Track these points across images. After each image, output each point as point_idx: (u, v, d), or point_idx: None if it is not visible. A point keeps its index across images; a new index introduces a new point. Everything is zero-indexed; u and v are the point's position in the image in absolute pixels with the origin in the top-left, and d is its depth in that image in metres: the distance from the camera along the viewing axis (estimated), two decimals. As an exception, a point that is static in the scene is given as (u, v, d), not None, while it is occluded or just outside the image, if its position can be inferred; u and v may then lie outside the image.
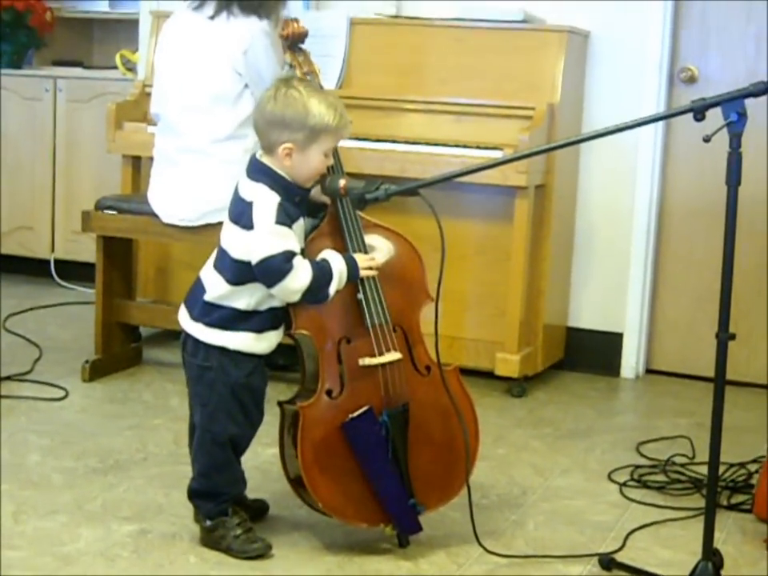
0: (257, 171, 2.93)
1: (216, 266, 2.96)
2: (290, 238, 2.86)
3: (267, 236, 2.84)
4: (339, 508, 2.98)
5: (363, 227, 3.03)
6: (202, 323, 2.95)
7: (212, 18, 4.28)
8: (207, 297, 2.94)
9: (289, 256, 2.83)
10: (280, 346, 3.02)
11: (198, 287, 2.98)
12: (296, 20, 3.61)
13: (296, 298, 2.87)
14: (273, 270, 2.83)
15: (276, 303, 2.92)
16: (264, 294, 2.90)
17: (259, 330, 2.94)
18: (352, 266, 2.92)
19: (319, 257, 2.91)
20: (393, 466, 2.96)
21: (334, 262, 2.90)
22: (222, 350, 2.94)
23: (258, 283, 2.89)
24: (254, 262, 2.85)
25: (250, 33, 4.22)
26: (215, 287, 2.94)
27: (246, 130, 4.21)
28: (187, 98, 4.29)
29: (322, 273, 2.87)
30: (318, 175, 2.95)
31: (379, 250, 3.05)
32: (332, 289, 2.88)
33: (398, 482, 2.97)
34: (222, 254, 2.95)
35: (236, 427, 2.97)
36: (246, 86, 4.25)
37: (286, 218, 2.86)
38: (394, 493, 2.96)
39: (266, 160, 2.94)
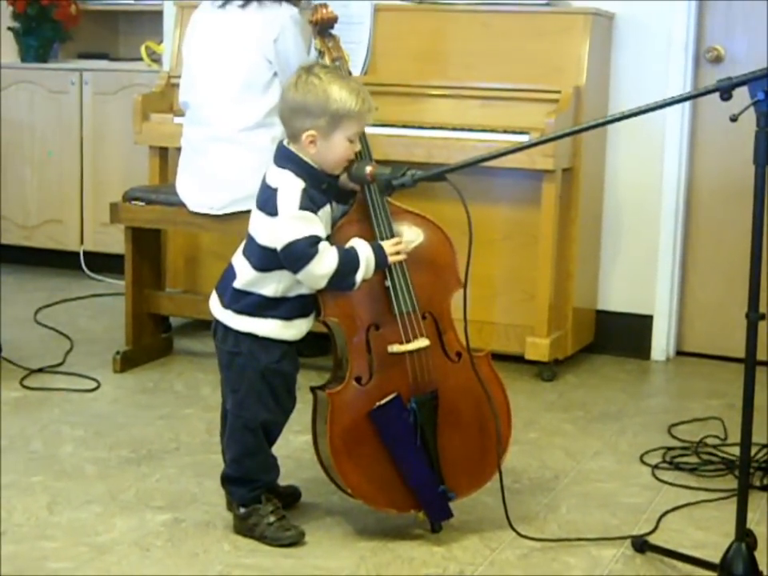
0: (283, 158, 2.94)
1: (244, 253, 2.97)
2: (314, 223, 2.86)
3: (291, 221, 2.84)
4: (369, 494, 2.99)
5: (392, 213, 3.03)
6: (231, 310, 2.97)
7: (243, 6, 4.28)
8: (236, 283, 2.95)
9: (314, 240, 2.84)
10: (307, 335, 3.03)
11: (230, 273, 2.99)
12: (325, 5, 3.61)
13: (322, 283, 2.87)
14: (298, 254, 2.84)
15: (304, 290, 2.93)
16: (292, 281, 2.91)
17: (288, 317, 2.94)
18: (380, 255, 2.91)
19: (347, 245, 2.91)
20: (421, 452, 2.96)
21: (362, 250, 2.89)
22: (252, 336, 2.94)
23: (285, 270, 2.89)
24: (279, 247, 2.86)
25: (279, 21, 4.23)
26: (243, 274, 2.95)
27: (273, 119, 4.21)
28: (217, 86, 4.30)
29: (349, 259, 2.87)
30: (345, 161, 2.94)
31: (407, 236, 3.05)
32: (359, 276, 2.88)
33: (427, 469, 2.97)
34: (250, 240, 2.96)
35: (267, 412, 2.98)
36: (275, 74, 4.26)
37: (310, 203, 2.86)
38: (423, 479, 2.97)
39: (292, 147, 2.94)
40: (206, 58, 4.36)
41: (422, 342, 3.00)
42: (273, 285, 2.92)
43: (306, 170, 2.90)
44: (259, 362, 2.95)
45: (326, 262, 2.84)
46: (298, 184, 2.88)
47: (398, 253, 2.95)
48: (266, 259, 2.91)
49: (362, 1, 4.87)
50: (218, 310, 3.01)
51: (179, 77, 4.59)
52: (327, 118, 2.88)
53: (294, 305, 2.95)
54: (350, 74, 3.41)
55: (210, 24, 4.38)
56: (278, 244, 2.86)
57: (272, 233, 2.88)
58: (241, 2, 4.29)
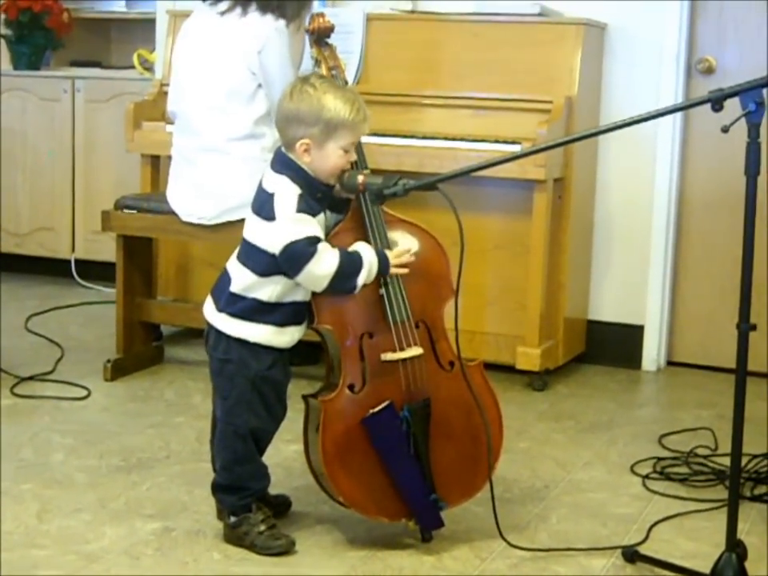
0: (280, 164, 2.95)
1: (240, 259, 2.97)
2: (312, 225, 2.87)
3: (290, 223, 2.85)
4: (360, 502, 2.99)
5: (387, 222, 3.03)
6: (225, 313, 2.96)
7: (223, 13, 4.28)
8: (233, 288, 2.95)
9: (313, 240, 2.84)
10: (297, 344, 3.03)
11: (225, 278, 2.99)
12: (322, 14, 3.61)
13: (323, 284, 2.87)
14: (297, 254, 2.84)
15: (299, 297, 2.93)
16: (288, 286, 2.91)
17: (281, 323, 2.94)
18: (383, 260, 2.92)
19: (351, 248, 2.92)
20: (413, 461, 2.96)
21: (365, 254, 2.90)
22: (243, 343, 2.94)
23: (283, 276, 2.89)
24: (278, 250, 2.86)
25: (265, 33, 4.22)
26: (241, 279, 2.94)
27: (263, 129, 4.23)
28: (203, 95, 4.29)
29: (351, 261, 2.87)
30: (339, 171, 2.94)
31: (402, 245, 3.04)
32: (360, 279, 2.88)
33: (419, 478, 2.97)
34: (247, 246, 2.96)
35: (257, 420, 2.98)
36: (260, 85, 4.25)
37: (307, 207, 2.87)
38: (415, 488, 2.96)
39: (290, 154, 2.95)
40: (193, 67, 4.36)
41: (416, 351, 3.00)
42: (269, 289, 2.91)
43: (302, 177, 2.90)
44: (249, 369, 2.95)
45: (325, 261, 2.84)
46: (295, 189, 2.88)
47: (402, 265, 2.96)
48: (267, 264, 2.90)
49: (355, 10, 4.88)
50: (211, 313, 3.01)
51: (171, 85, 4.59)
52: (321, 126, 2.89)
53: (288, 311, 2.95)
54: (346, 83, 3.41)
55: (199, 33, 4.38)
56: (277, 247, 2.86)
57: (270, 237, 2.88)
58: (224, 9, 4.29)
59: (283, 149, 2.98)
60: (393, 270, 2.94)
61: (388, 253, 2.95)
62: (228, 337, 2.96)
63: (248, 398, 2.96)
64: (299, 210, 2.86)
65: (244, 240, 2.98)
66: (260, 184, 2.97)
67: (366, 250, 2.92)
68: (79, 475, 3.48)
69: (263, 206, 2.91)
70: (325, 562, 2.93)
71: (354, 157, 3.00)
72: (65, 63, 6.62)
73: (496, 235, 4.67)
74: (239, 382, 2.96)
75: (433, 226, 3.12)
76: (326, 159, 2.92)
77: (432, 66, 4.80)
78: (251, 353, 2.95)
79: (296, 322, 2.97)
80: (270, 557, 2.93)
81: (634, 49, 4.88)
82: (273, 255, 2.88)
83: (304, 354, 3.83)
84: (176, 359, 4.83)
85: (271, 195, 2.90)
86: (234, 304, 2.95)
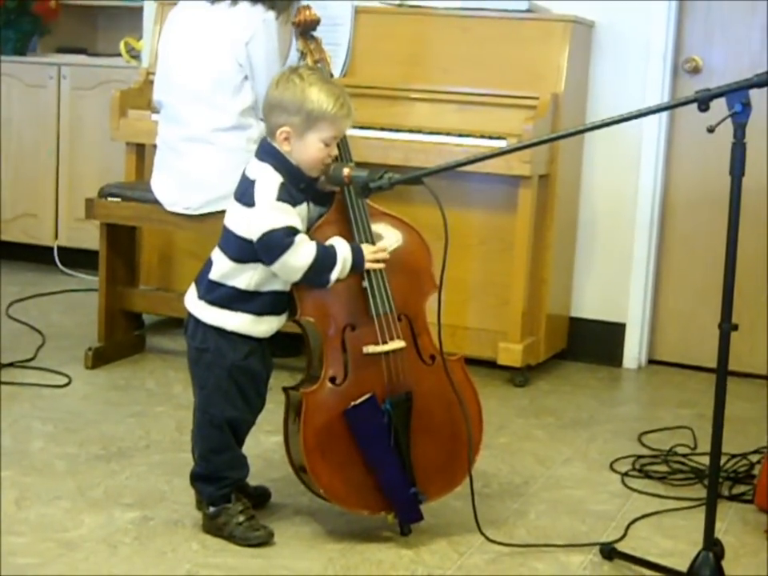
0: (264, 152, 2.96)
1: (220, 245, 2.98)
2: (292, 215, 2.87)
3: (269, 211, 2.85)
4: (341, 495, 2.99)
5: (371, 216, 3.03)
6: (204, 301, 2.97)
7: (213, 1, 4.28)
8: (212, 275, 2.96)
9: (290, 231, 2.85)
10: (280, 336, 3.03)
11: (208, 266, 3.00)
12: (308, 7, 3.61)
13: (297, 276, 2.88)
14: (274, 243, 2.84)
15: (278, 287, 2.93)
16: (266, 274, 2.91)
17: (259, 312, 2.95)
18: (357, 256, 2.92)
19: (327, 243, 2.92)
20: (394, 454, 2.96)
21: (340, 249, 2.90)
22: (220, 332, 2.95)
23: (260, 263, 2.90)
24: (255, 237, 2.86)
25: (253, 25, 4.22)
26: (219, 265, 2.95)
27: (249, 120, 4.22)
28: (189, 85, 4.28)
29: (326, 256, 2.88)
30: (318, 164, 2.94)
31: (386, 239, 3.05)
32: (333, 275, 2.89)
33: (400, 471, 2.97)
34: (226, 232, 2.97)
35: (234, 410, 2.98)
36: (246, 77, 4.24)
37: (288, 197, 2.88)
38: (395, 481, 2.97)
39: (274, 143, 2.95)
40: (180, 56, 4.35)
41: (398, 344, 3.00)
42: (247, 277, 2.92)
43: (285, 167, 2.91)
44: (226, 358, 2.95)
45: (302, 253, 2.85)
46: (277, 178, 2.89)
47: (377, 261, 2.97)
48: (242, 250, 2.91)
49: (343, 2, 4.88)
50: (191, 301, 3.01)
51: (157, 73, 4.58)
52: (302, 116, 2.89)
53: (267, 300, 2.95)
54: (331, 75, 3.42)
55: (187, 23, 4.37)
56: (255, 234, 2.87)
57: (249, 223, 2.89)
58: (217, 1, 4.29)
59: (267, 137, 2.98)
60: (368, 265, 2.95)
61: (364, 248, 2.96)
62: (205, 325, 2.97)
63: (224, 388, 2.96)
64: (279, 199, 2.86)
65: (224, 227, 2.98)
66: (244, 172, 2.98)
67: (340, 245, 2.92)
68: (58, 463, 3.48)
69: (245, 192, 2.92)
70: (303, 553, 2.93)
71: (335, 152, 3.00)
72: (51, 50, 6.59)
73: (480, 230, 4.67)
74: (216, 372, 2.96)
75: (417, 221, 3.12)
76: (306, 150, 2.92)
77: (419, 60, 4.80)
78: (228, 342, 2.95)
79: (274, 311, 2.98)
80: (248, 548, 2.93)
81: (621, 47, 4.88)
82: (249, 241, 2.89)
83: (285, 345, 3.82)
84: (157, 349, 4.83)
85: (253, 182, 2.90)
86: (213, 291, 2.96)
